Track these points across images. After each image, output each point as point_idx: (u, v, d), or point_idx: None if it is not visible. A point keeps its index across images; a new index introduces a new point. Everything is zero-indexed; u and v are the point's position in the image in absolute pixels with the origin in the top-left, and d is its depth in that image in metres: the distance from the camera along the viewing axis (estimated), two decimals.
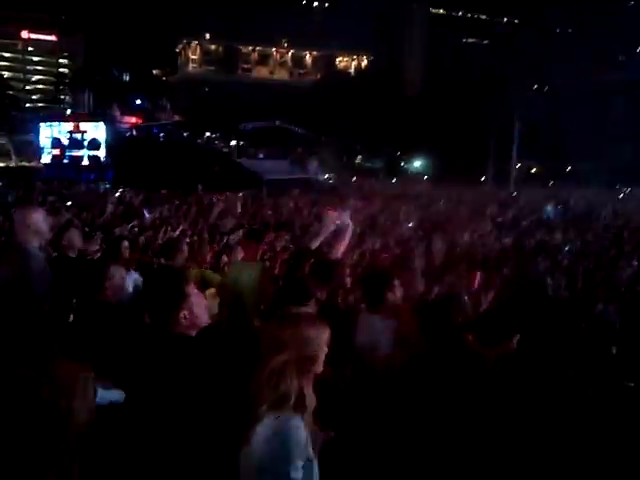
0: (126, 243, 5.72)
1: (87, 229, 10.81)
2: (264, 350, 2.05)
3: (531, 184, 48.74)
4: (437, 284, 5.32)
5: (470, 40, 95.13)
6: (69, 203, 16.51)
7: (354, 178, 46.96)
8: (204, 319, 2.30)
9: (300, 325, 2.09)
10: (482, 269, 7.42)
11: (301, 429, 1.97)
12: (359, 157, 74.47)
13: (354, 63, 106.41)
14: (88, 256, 6.66)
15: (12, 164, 57.42)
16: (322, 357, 2.10)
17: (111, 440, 1.98)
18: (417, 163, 70.50)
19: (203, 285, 5.06)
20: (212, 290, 5.14)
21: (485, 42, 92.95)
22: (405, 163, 72.72)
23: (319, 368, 2.09)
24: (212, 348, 2.31)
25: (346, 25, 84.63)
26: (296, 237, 10.57)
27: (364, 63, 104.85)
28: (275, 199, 22.77)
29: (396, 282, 3.74)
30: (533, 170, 65.09)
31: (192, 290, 2.29)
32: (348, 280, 4.77)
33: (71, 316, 3.75)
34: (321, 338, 2.10)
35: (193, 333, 2.25)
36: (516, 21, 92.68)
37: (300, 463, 1.94)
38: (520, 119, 54.94)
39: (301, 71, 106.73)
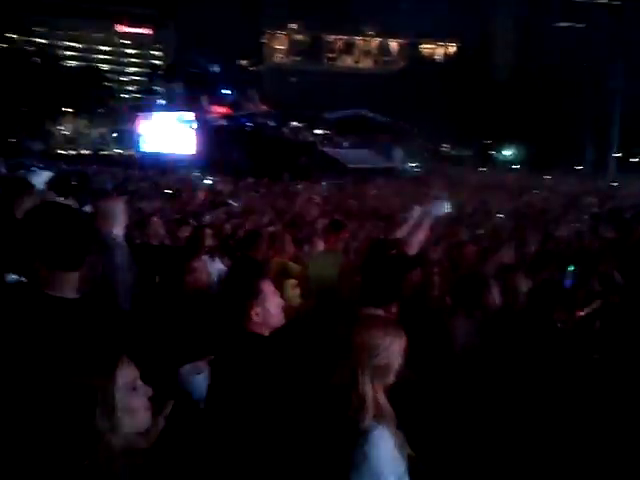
0: (209, 231, 5.69)
1: (178, 216, 11.16)
2: (335, 354, 1.90)
3: (632, 174, 45.56)
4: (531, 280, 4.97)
5: (563, 24, 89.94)
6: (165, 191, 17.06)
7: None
8: (278, 319, 2.18)
9: (371, 331, 1.91)
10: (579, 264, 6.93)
11: (389, 441, 1.78)
12: (446, 145, 72.78)
13: (441, 50, 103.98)
14: (175, 243, 6.79)
15: (111, 153, 60.79)
16: (395, 367, 1.90)
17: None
18: (508, 151, 67.95)
19: (284, 275, 4.98)
20: (293, 281, 5.06)
21: (580, 26, 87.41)
22: (495, 151, 70.34)
23: (390, 379, 1.90)
24: (284, 350, 2.17)
25: (432, 11, 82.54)
26: (380, 226, 10.36)
27: (451, 49, 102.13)
28: (359, 188, 22.59)
29: (493, 283, 3.45)
30: (636, 159, 61.05)
31: (268, 287, 2.17)
32: (436, 277, 4.48)
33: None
34: (394, 346, 1.90)
35: (266, 332, 2.14)
36: (615, 3, 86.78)
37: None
38: (618, 106, 51.69)
39: (386, 59, 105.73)
